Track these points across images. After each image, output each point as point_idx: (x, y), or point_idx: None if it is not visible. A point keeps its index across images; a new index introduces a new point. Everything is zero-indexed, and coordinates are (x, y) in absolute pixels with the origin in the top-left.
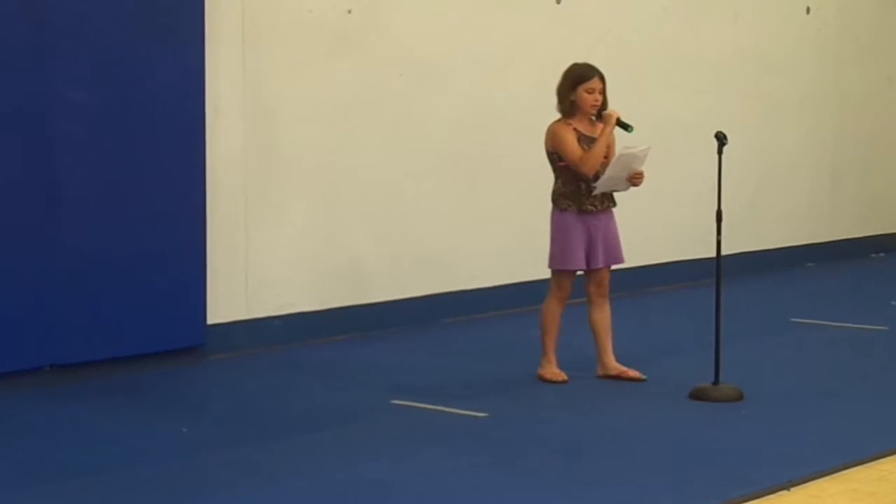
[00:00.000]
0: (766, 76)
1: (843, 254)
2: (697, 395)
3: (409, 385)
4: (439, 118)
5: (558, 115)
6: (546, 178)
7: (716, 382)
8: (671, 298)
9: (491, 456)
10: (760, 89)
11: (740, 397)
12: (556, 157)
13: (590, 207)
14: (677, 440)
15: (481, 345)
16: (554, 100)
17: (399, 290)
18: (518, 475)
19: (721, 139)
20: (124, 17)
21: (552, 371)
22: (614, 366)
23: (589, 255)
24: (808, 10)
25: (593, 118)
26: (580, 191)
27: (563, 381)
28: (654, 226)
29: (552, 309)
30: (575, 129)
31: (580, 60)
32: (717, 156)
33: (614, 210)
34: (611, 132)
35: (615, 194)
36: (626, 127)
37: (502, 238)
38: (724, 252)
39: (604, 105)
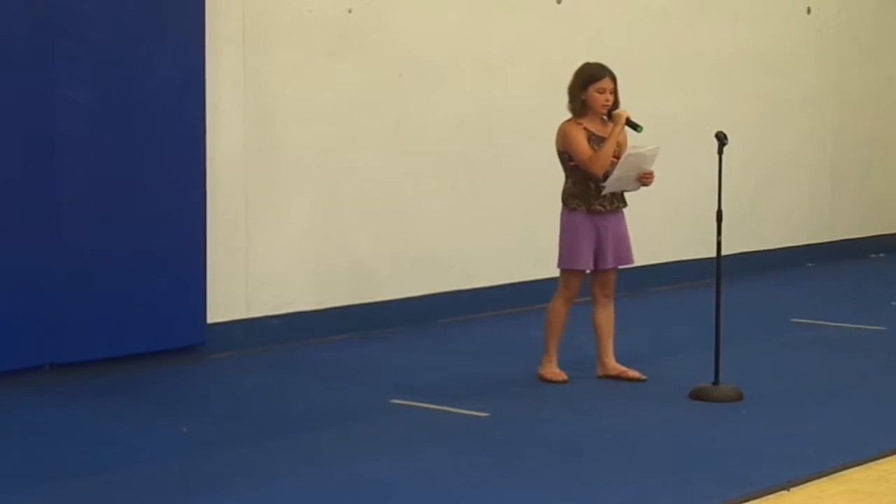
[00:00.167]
0: (766, 76)
1: (844, 254)
2: (697, 396)
3: (408, 385)
4: (439, 118)
5: (558, 115)
6: (546, 178)
7: (716, 382)
8: (671, 298)
9: (491, 456)
10: (761, 89)
11: (740, 397)
12: (566, 156)
13: (599, 208)
14: (677, 440)
15: (481, 344)
16: (553, 99)
17: (399, 290)
18: (518, 475)
19: (721, 139)
20: (124, 17)
21: (552, 371)
22: (614, 366)
23: (597, 256)
24: (808, 11)
25: (604, 118)
26: (590, 191)
27: (564, 381)
28: (655, 226)
29: (558, 308)
30: (585, 128)
31: (580, 60)
32: (717, 156)
33: (625, 210)
34: (620, 132)
35: (626, 195)
36: (635, 127)
37: (502, 238)
38: (724, 252)
39: (615, 105)
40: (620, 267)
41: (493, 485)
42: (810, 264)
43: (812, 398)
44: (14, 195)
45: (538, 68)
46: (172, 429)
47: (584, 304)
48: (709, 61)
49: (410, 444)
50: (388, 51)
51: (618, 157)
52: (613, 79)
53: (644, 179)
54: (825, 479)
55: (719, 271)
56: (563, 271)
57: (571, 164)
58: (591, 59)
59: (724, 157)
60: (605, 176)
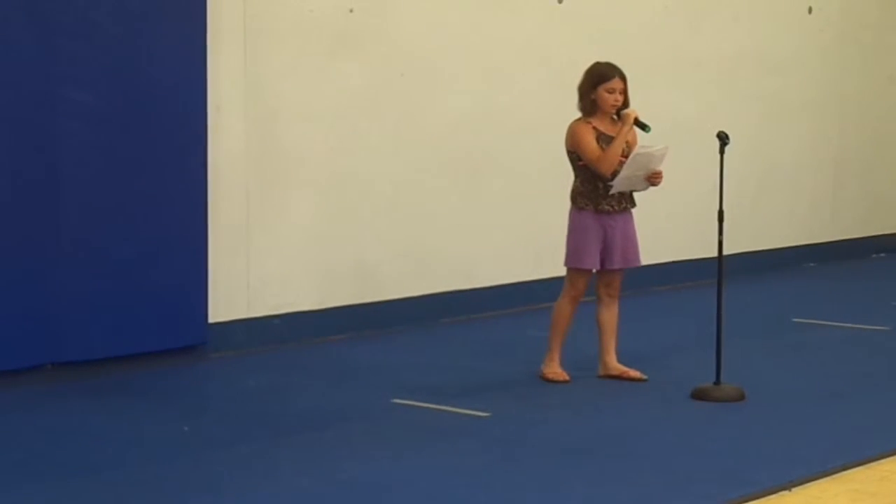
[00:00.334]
0: (767, 76)
1: (845, 254)
2: (699, 395)
3: (410, 384)
4: (441, 117)
5: (560, 114)
6: (548, 178)
7: (717, 382)
8: (672, 298)
9: (492, 455)
10: (762, 89)
11: (741, 397)
12: (574, 155)
13: (607, 208)
14: (678, 440)
15: (483, 344)
16: (555, 99)
17: (400, 290)
18: (518, 475)
19: (723, 139)
20: (126, 16)
21: (554, 370)
22: (615, 366)
23: (604, 256)
24: (809, 11)
25: (614, 117)
26: (598, 190)
27: (565, 381)
28: (656, 225)
29: (564, 307)
30: (595, 128)
31: (581, 60)
32: (718, 155)
33: (633, 211)
34: (629, 131)
35: (635, 196)
36: (643, 127)
37: (504, 238)
38: (725, 252)
39: (625, 104)
40: (627, 268)
41: (493, 485)
42: (812, 264)
43: (814, 398)
44: (16, 194)
45: (540, 67)
46: (173, 428)
47: (585, 304)
48: (710, 61)
49: (411, 443)
50: (389, 50)
51: (626, 157)
52: (623, 79)
53: (653, 179)
54: (827, 479)
55: (721, 271)
56: (569, 270)
57: (580, 163)
58: (593, 59)
59: (725, 156)
60: (614, 175)
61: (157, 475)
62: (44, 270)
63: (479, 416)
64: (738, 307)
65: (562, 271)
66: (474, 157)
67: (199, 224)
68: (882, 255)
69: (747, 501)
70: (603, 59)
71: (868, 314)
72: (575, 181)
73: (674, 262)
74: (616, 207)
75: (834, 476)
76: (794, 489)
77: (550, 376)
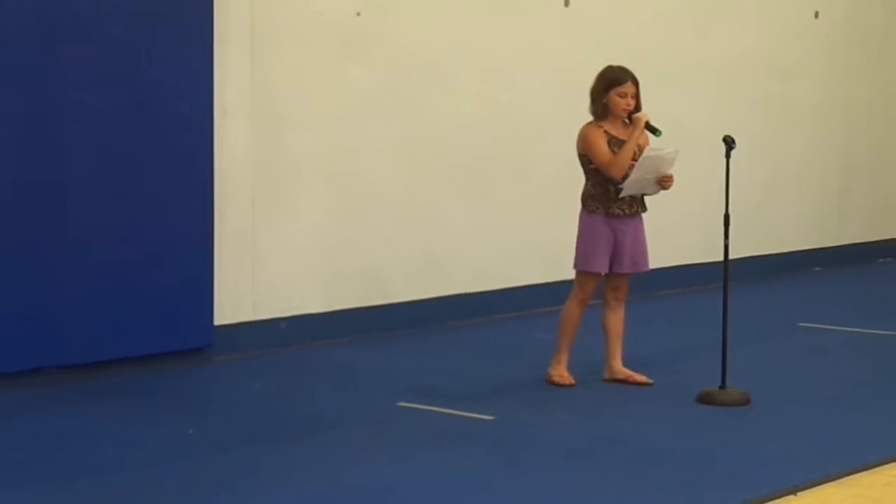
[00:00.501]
0: (774, 80)
1: (851, 258)
2: (704, 399)
3: (416, 388)
4: (448, 121)
5: (567, 117)
6: (556, 181)
7: (723, 386)
8: (679, 302)
9: (497, 459)
10: (768, 93)
11: (747, 401)
12: (585, 159)
13: (617, 211)
14: (684, 444)
15: (489, 348)
16: (562, 102)
17: (406, 293)
18: (524, 478)
19: (729, 143)
20: (132, 20)
21: (560, 373)
22: (621, 370)
23: (613, 259)
24: (816, 15)
25: (626, 121)
26: (609, 194)
27: (570, 385)
28: (663, 229)
29: (572, 310)
30: (606, 131)
31: (588, 63)
32: (724, 160)
33: (644, 216)
34: (639, 135)
35: (646, 200)
36: (654, 131)
37: (511, 241)
38: (731, 256)
39: (637, 109)
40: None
41: (498, 488)
42: (818, 268)
43: (819, 402)
44: (21, 197)
45: (546, 71)
46: (178, 430)
47: (594, 306)
48: (717, 65)
49: (416, 447)
50: (396, 54)
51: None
52: (636, 83)
53: (664, 183)
54: (832, 483)
55: (727, 275)
56: (578, 273)
57: (591, 166)
58: (599, 63)
59: (731, 160)
60: (624, 179)
61: (160, 478)
62: (48, 272)
63: (485, 420)
64: (745, 311)
65: (570, 274)
66: (481, 159)
67: (204, 226)
68: (889, 259)
69: None
70: (609, 63)
71: (874, 318)
72: (586, 184)
73: (680, 266)
74: (627, 211)
75: (839, 481)
76: (799, 493)
77: (556, 379)
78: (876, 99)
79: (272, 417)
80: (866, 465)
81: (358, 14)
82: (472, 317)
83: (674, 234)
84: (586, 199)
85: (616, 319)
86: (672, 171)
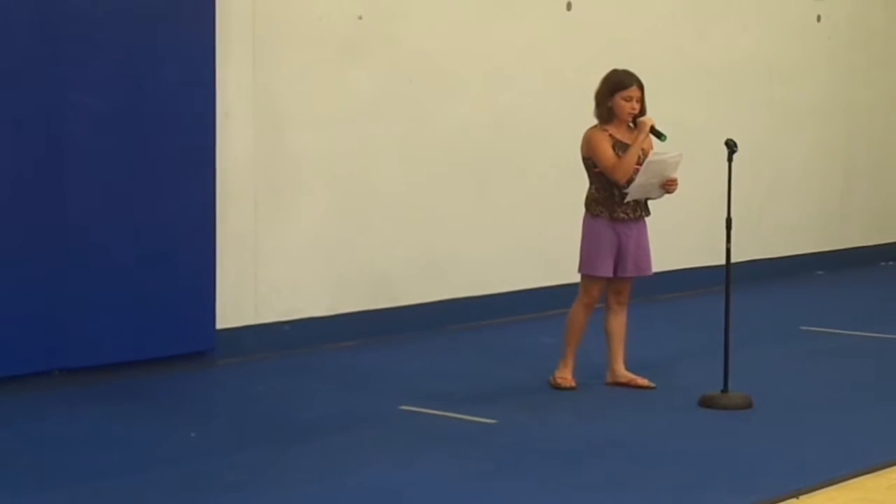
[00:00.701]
0: (776, 84)
1: (854, 262)
2: (706, 403)
3: (417, 391)
4: (449, 124)
5: (569, 121)
6: (557, 184)
7: (725, 390)
8: (680, 306)
9: (499, 462)
10: (770, 97)
11: (749, 405)
12: (590, 162)
13: (622, 215)
14: (686, 448)
15: (490, 351)
16: (563, 105)
17: (409, 296)
18: (525, 482)
19: (731, 147)
20: (134, 22)
21: (563, 376)
22: (623, 373)
23: (617, 263)
24: (818, 19)
25: (630, 125)
26: (613, 198)
27: (571, 388)
28: (664, 233)
29: (577, 314)
30: (611, 135)
31: (590, 67)
32: (726, 163)
33: (647, 220)
34: (644, 140)
35: (650, 204)
36: (659, 135)
37: (512, 244)
38: (733, 260)
39: (641, 112)
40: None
41: (499, 492)
42: (820, 272)
43: (821, 406)
44: (23, 200)
45: (548, 75)
46: (181, 434)
47: (596, 310)
48: (718, 69)
49: (419, 450)
50: (398, 57)
51: (642, 165)
52: (641, 87)
53: (668, 186)
54: (835, 487)
55: (729, 279)
56: (583, 277)
57: (596, 170)
58: (601, 66)
59: (733, 164)
60: (629, 183)
61: (164, 481)
62: (51, 276)
63: (487, 423)
64: (747, 315)
65: (573, 278)
66: (483, 162)
67: (207, 229)
68: (891, 262)
69: None
70: (611, 66)
71: (877, 322)
72: (590, 188)
73: (682, 270)
74: (631, 215)
75: (842, 484)
76: (801, 497)
77: (559, 382)
78: (877, 102)
79: (275, 421)
80: (869, 468)
81: (360, 17)
82: (475, 320)
83: (676, 238)
84: (590, 202)
85: (618, 323)
86: (676, 174)
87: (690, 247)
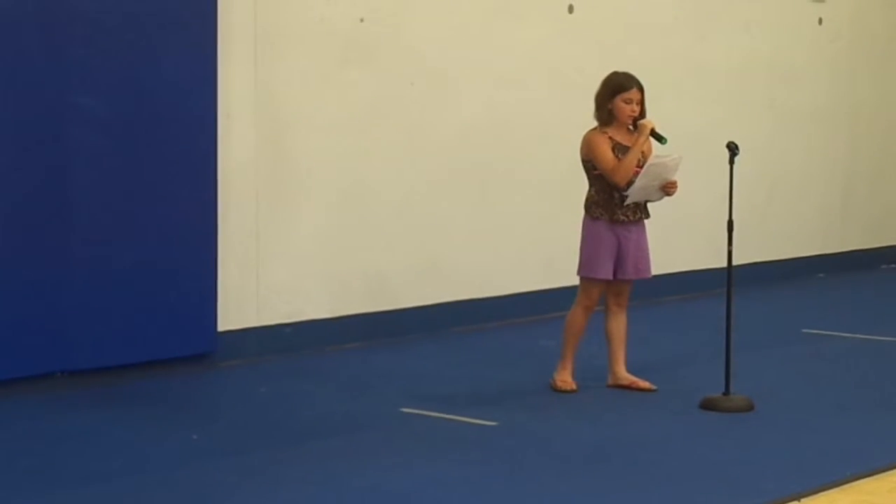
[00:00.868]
0: (777, 86)
1: (855, 265)
2: (708, 406)
3: (419, 393)
4: (451, 127)
5: (570, 124)
6: (558, 187)
7: (726, 393)
8: (682, 308)
9: (500, 465)
10: (772, 99)
11: (751, 408)
12: (590, 165)
13: (622, 218)
14: (687, 450)
15: (492, 353)
16: (565, 108)
17: (410, 299)
18: (527, 484)
19: (733, 149)
20: (136, 25)
21: (564, 379)
22: (625, 375)
23: (617, 265)
24: (820, 21)
25: (630, 128)
26: (613, 200)
27: (572, 391)
28: (666, 235)
29: (577, 317)
30: (611, 137)
31: (591, 70)
32: (728, 166)
33: (647, 222)
34: (644, 142)
35: (649, 206)
36: (659, 138)
37: (514, 247)
38: (735, 262)
39: (641, 115)
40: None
41: (500, 494)
42: (821, 275)
43: (823, 408)
44: (26, 203)
45: (550, 77)
46: (183, 436)
47: (597, 312)
48: (720, 71)
49: (420, 452)
50: (399, 60)
51: (642, 168)
52: (641, 89)
53: (668, 189)
54: (836, 489)
55: (730, 281)
56: (583, 280)
57: (595, 172)
58: (603, 69)
59: (735, 166)
60: (629, 185)
61: (166, 484)
62: (54, 278)
63: (488, 426)
64: (748, 318)
65: (573, 280)
66: (485, 165)
67: (208, 232)
68: (892, 265)
69: None
70: (613, 69)
71: (878, 325)
72: (590, 190)
73: (683, 273)
74: (631, 218)
75: (843, 487)
76: (803, 500)
77: (560, 384)
78: (879, 105)
79: (276, 423)
80: (871, 471)
81: (361, 20)
82: (476, 322)
83: (677, 240)
84: (590, 205)
85: (618, 325)
86: (675, 177)
87: (692, 249)
